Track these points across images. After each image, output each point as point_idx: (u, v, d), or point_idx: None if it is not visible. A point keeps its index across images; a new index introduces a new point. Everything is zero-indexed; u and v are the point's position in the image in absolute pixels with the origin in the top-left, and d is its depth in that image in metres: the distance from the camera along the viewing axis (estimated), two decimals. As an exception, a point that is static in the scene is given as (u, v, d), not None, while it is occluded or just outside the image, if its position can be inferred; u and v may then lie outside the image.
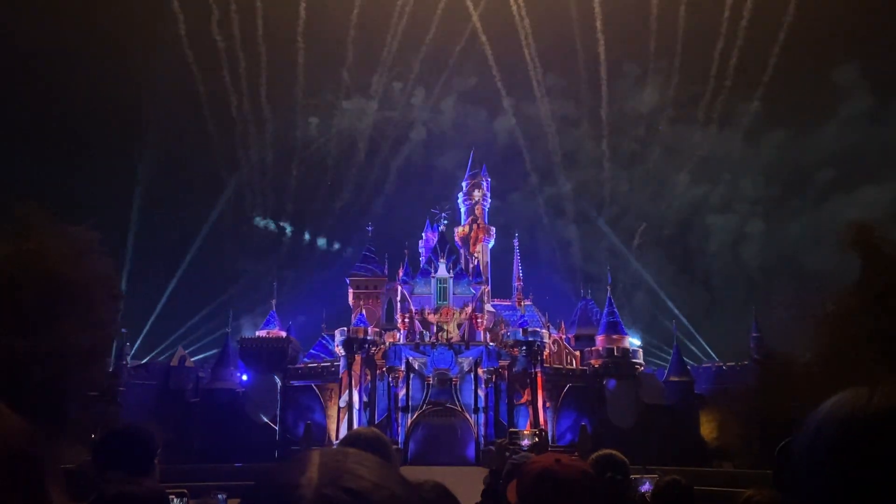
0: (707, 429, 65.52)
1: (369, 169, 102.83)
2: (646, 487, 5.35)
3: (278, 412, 63.76)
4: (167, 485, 3.28)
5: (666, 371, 70.08)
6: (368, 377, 61.58)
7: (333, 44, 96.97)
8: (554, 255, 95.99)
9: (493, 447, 54.04)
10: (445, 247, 68.14)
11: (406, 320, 64.80)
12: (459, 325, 64.35)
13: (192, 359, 76.39)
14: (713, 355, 79.36)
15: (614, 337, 66.99)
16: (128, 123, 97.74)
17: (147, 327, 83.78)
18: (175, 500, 3.16)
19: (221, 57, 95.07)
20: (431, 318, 64.43)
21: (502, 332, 65.63)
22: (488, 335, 64.93)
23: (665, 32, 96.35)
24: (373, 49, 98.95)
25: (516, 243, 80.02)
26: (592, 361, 66.07)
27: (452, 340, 62.42)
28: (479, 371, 60.47)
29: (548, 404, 62.74)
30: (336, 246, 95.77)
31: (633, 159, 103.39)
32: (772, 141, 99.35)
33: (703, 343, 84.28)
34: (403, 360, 60.56)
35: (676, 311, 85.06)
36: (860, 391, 1.25)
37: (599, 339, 67.51)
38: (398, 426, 59.16)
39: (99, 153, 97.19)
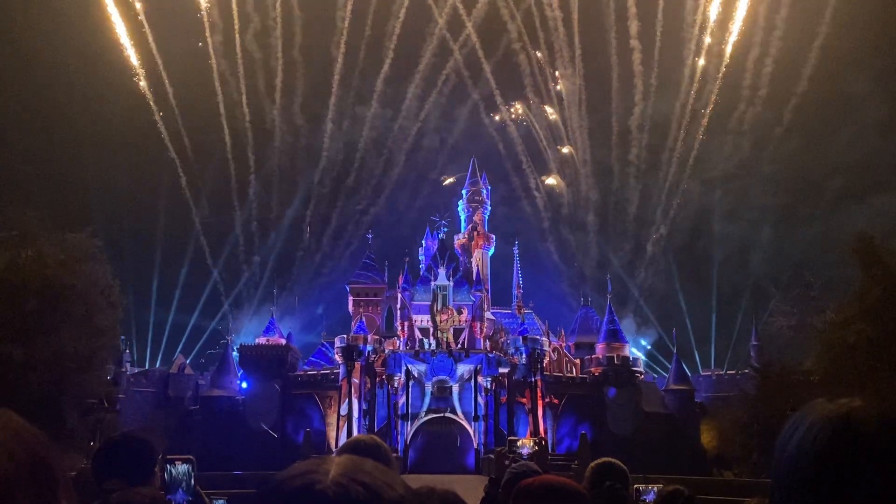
0: (707, 437, 65.34)
1: (373, 176, 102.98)
2: (651, 497, 5.34)
3: (278, 420, 63.66)
4: (174, 456, 3.28)
5: (667, 379, 70.00)
6: (368, 385, 61.50)
7: (352, 49, 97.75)
8: (556, 262, 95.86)
9: (492, 455, 53.96)
10: (445, 254, 68.16)
11: (406, 328, 64.77)
12: (459, 333, 64.29)
13: (191, 366, 76.31)
14: (717, 364, 79.29)
15: (614, 345, 66.93)
16: (133, 130, 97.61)
17: (146, 335, 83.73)
18: (180, 465, 3.15)
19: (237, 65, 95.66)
20: (431, 325, 64.38)
21: (502, 340, 65.59)
22: (488, 343, 64.86)
23: (678, 41, 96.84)
24: (387, 57, 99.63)
25: (516, 251, 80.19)
26: (592, 370, 66.01)
27: (452, 348, 62.35)
28: (479, 379, 60.38)
29: (548, 412, 62.66)
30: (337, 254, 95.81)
31: (644, 167, 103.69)
32: (784, 150, 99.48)
33: (709, 351, 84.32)
34: (403, 368, 60.49)
35: (681, 319, 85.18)
36: (849, 402, 1.28)
37: (599, 347, 67.46)
38: (398, 434, 59.05)
39: (103, 159, 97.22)
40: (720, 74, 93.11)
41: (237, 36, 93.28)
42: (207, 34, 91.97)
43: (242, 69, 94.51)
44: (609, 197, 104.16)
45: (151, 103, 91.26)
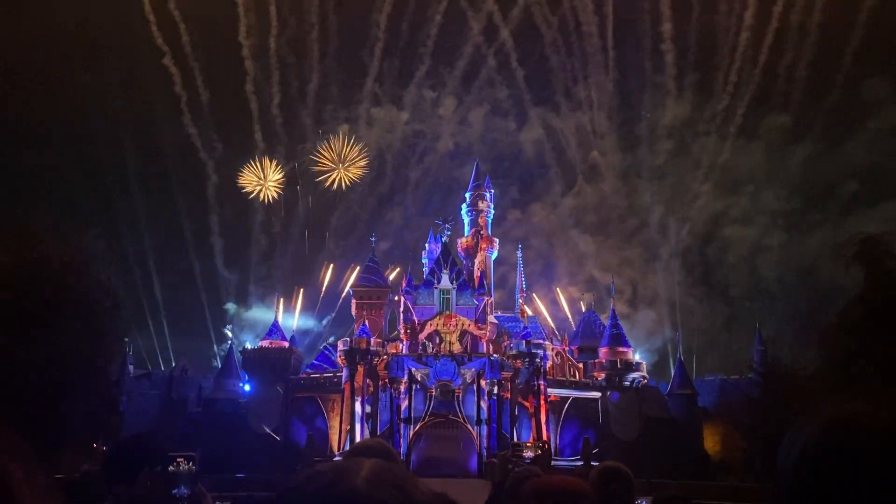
0: (710, 442, 65.21)
1: (379, 179, 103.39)
2: (642, 506, 5.31)
3: (280, 423, 63.65)
4: (175, 453, 3.29)
5: (670, 384, 69.86)
6: (371, 388, 61.44)
7: (366, 52, 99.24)
8: (561, 266, 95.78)
9: (495, 460, 53.84)
10: (448, 258, 68.12)
11: (409, 331, 64.72)
12: (462, 337, 64.23)
13: (194, 368, 76.34)
14: (721, 369, 79.06)
15: (618, 349, 66.79)
16: (137, 131, 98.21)
17: (150, 337, 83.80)
18: (182, 462, 3.16)
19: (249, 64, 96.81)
20: (434, 329, 64.32)
21: (505, 343, 65.47)
22: (491, 347, 64.80)
23: (693, 44, 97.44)
24: (404, 59, 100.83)
25: (520, 254, 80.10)
26: (595, 374, 65.88)
27: (455, 352, 62.28)
28: (482, 383, 60.27)
29: (550, 416, 62.54)
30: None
31: (658, 171, 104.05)
32: (798, 154, 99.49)
33: (714, 356, 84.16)
34: (406, 372, 60.40)
35: (687, 324, 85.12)
36: (851, 409, 1.28)
37: (603, 351, 67.32)
38: (400, 437, 58.94)
39: (106, 159, 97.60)
40: (755, 79, 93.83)
41: (272, 39, 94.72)
42: (243, 37, 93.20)
43: (277, 74, 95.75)
44: (634, 201, 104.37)
45: (183, 106, 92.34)
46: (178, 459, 3.18)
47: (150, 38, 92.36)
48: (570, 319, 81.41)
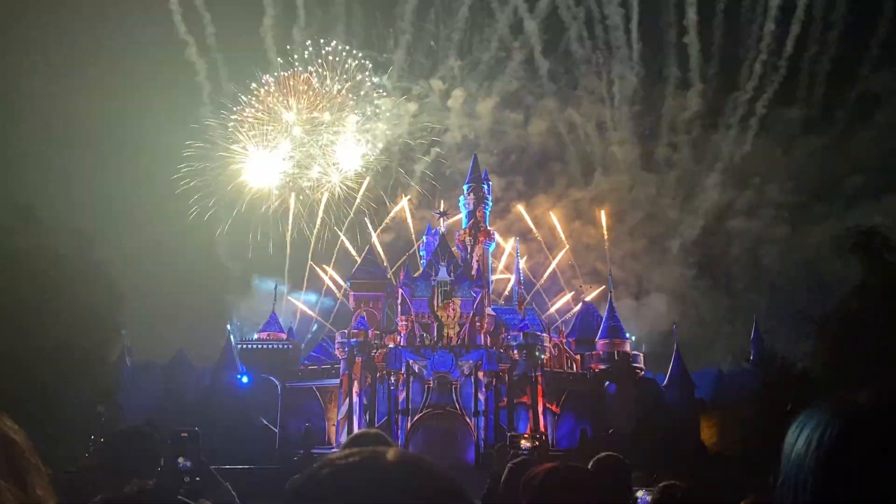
0: (708, 434, 65.36)
1: (384, 172, 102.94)
2: (643, 501, 5.33)
3: (278, 414, 63.73)
4: (179, 428, 3.33)
5: (667, 376, 69.97)
6: (369, 380, 61.53)
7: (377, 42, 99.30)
8: (560, 257, 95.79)
9: (493, 451, 53.99)
10: (446, 250, 68.11)
11: (406, 323, 64.77)
12: (460, 329, 64.28)
13: (192, 360, 76.25)
14: (720, 360, 79.20)
15: (615, 341, 66.90)
16: (134, 122, 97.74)
17: (148, 328, 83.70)
18: (185, 436, 3.23)
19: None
20: (432, 321, 64.37)
21: (503, 335, 65.58)
22: (489, 339, 64.87)
23: (704, 38, 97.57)
24: (427, 52, 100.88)
25: (517, 246, 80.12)
26: (593, 366, 66.00)
27: (453, 344, 62.37)
28: (480, 374, 60.42)
29: (548, 408, 62.70)
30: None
31: (667, 164, 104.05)
32: (805, 147, 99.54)
33: (712, 347, 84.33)
34: (404, 364, 60.53)
35: (687, 315, 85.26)
36: (856, 398, 1.28)
37: (600, 343, 67.43)
38: (398, 429, 59.10)
39: (105, 153, 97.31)
40: (780, 72, 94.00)
41: (296, 31, 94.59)
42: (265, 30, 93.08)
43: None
44: (639, 193, 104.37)
45: (205, 98, 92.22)
46: (182, 434, 3.23)
47: (173, 30, 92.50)
48: (573, 309, 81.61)
